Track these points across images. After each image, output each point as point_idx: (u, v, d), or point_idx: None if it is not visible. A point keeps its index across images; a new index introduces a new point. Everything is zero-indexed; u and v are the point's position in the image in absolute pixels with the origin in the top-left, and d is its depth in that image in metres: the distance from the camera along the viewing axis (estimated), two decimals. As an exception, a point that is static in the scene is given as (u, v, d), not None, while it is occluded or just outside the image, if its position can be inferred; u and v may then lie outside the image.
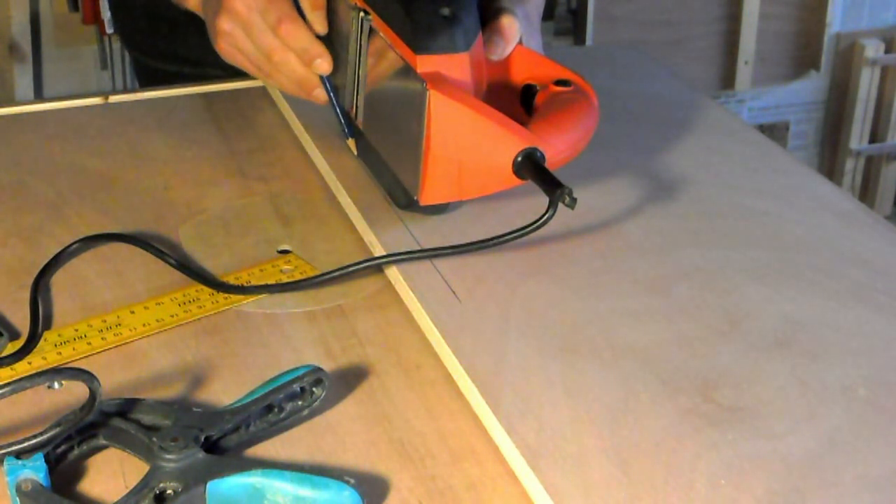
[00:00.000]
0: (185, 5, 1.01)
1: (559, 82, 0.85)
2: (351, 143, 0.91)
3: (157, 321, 0.74)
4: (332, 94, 0.90)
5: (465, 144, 0.77)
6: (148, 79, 1.29)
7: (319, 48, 0.88)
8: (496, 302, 0.74)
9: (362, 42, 0.86)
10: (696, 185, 0.90)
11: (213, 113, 1.05)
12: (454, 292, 0.75)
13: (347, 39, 0.88)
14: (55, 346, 0.71)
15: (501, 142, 0.76)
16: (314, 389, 0.65)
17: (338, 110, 0.90)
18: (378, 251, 0.80)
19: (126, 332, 0.73)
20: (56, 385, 0.64)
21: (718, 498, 0.58)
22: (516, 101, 0.87)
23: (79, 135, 1.00)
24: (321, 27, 0.88)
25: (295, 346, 0.72)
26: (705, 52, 2.66)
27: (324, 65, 0.88)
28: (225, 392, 0.68)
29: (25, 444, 0.59)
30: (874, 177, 2.86)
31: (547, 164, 0.76)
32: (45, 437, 0.59)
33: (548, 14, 2.46)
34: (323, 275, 0.78)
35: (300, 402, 0.65)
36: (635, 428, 0.63)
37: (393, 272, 0.78)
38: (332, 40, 0.89)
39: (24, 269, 0.79)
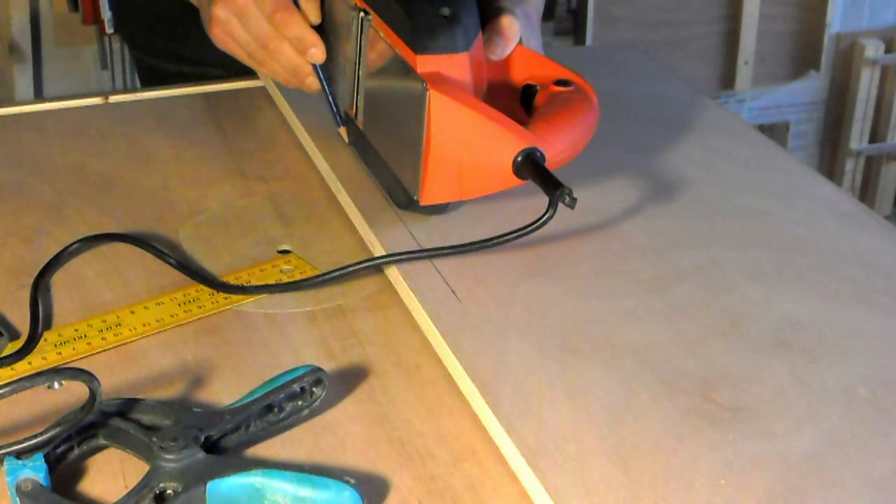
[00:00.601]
0: None
1: (559, 82, 0.85)
2: (342, 130, 0.92)
3: (157, 321, 0.74)
4: (324, 83, 0.91)
5: (465, 144, 0.77)
6: (149, 78, 1.29)
7: (313, 37, 0.89)
8: (496, 302, 0.74)
9: (362, 42, 0.86)
10: (696, 185, 0.90)
11: (213, 113, 1.05)
12: (454, 292, 0.75)
13: (347, 36, 0.88)
14: (55, 346, 0.71)
15: (501, 142, 0.76)
16: (314, 389, 0.65)
17: (330, 98, 0.92)
18: (378, 251, 0.80)
19: (126, 332, 0.73)
20: (56, 385, 0.64)
21: (718, 498, 0.58)
22: (516, 101, 0.87)
23: (79, 135, 1.00)
24: (315, 17, 0.89)
25: (295, 346, 0.72)
26: (705, 52, 2.66)
27: (317, 53, 0.89)
28: (225, 392, 0.68)
29: (25, 444, 0.59)
30: (874, 177, 2.86)
31: (547, 164, 0.76)
32: (45, 437, 0.59)
33: (548, 14, 2.46)
34: (323, 275, 0.78)
35: (300, 402, 0.65)
36: (635, 428, 0.63)
37: (393, 272, 0.78)
38: (326, 31, 0.90)
39: (24, 269, 0.79)
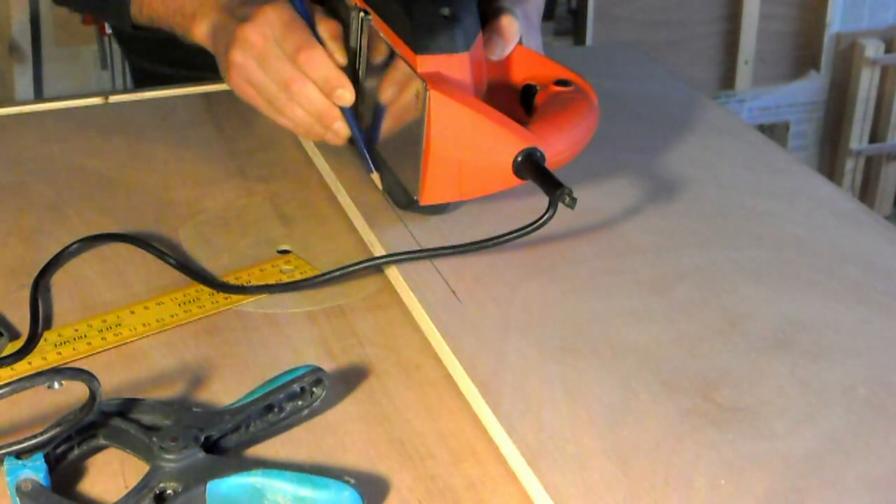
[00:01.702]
0: (192, 38, 0.95)
1: (559, 82, 0.85)
2: (375, 177, 0.86)
3: (157, 321, 0.74)
4: (355, 127, 0.85)
5: (465, 144, 0.77)
6: (145, 82, 1.28)
7: (342, 77, 0.83)
8: (496, 302, 0.74)
9: (362, 42, 0.86)
10: (696, 185, 0.90)
11: (212, 113, 1.05)
12: (454, 292, 0.75)
13: (348, 37, 0.88)
14: (55, 346, 0.71)
15: (501, 142, 0.76)
16: (314, 389, 0.65)
17: (361, 144, 0.85)
18: (378, 251, 0.80)
19: (126, 332, 0.73)
20: (56, 385, 0.64)
21: (718, 498, 0.58)
22: (516, 101, 0.87)
23: (79, 135, 1.00)
24: (342, 58, 0.84)
25: (295, 346, 0.72)
26: (705, 52, 2.65)
27: (346, 95, 0.83)
28: (225, 392, 0.68)
29: (25, 444, 0.59)
30: (874, 177, 2.85)
31: (547, 164, 0.76)
32: (45, 437, 0.59)
33: (548, 14, 2.45)
34: (323, 275, 0.78)
35: (300, 402, 0.65)
36: (635, 428, 0.63)
37: (393, 272, 0.78)
38: (349, 69, 0.85)
39: (24, 269, 0.79)
